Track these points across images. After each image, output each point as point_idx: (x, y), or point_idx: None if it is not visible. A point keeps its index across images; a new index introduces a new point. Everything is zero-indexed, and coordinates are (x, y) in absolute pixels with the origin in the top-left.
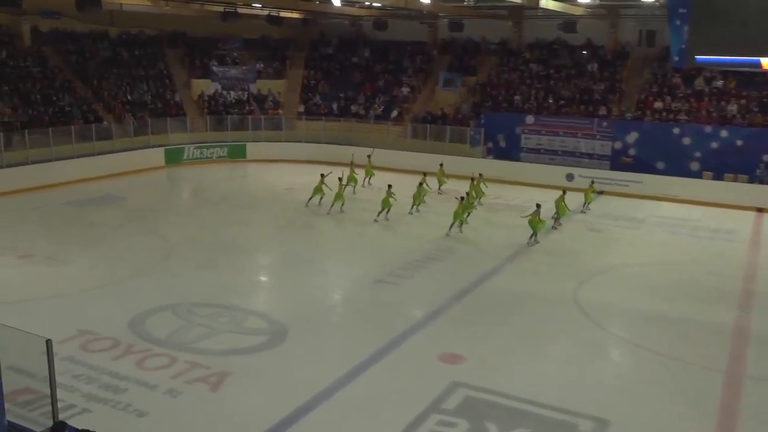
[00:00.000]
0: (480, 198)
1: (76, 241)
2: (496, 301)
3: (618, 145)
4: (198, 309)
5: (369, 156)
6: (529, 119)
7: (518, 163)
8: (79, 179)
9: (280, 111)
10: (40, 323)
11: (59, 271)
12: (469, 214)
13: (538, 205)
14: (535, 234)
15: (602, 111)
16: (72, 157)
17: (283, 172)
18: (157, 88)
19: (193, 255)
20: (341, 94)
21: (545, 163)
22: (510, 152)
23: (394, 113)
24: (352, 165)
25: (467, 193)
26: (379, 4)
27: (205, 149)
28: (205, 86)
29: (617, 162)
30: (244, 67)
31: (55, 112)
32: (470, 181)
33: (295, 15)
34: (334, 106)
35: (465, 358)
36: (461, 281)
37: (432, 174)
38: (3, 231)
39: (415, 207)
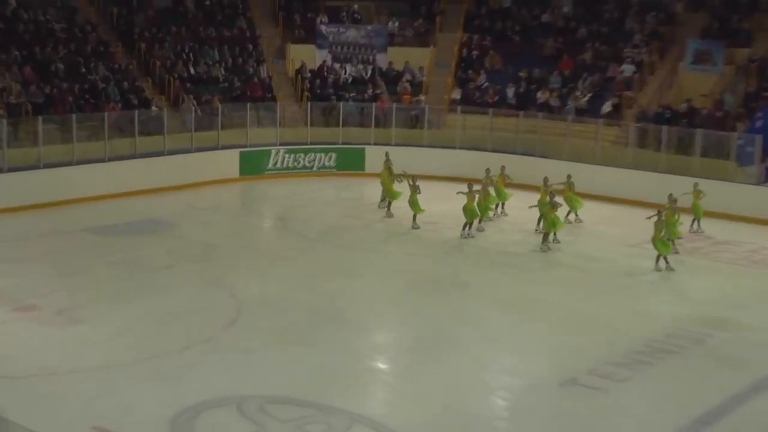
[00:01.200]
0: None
1: (99, 288)
2: None
3: None
4: (277, 409)
5: (503, 173)
6: None
7: None
8: (111, 194)
9: (422, 98)
10: (37, 413)
11: (72, 335)
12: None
13: None
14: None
15: None
16: (102, 160)
17: (423, 194)
18: (235, 58)
19: (272, 322)
20: (521, 73)
21: None
22: None
23: (608, 106)
24: (495, 180)
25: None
26: None
27: (302, 155)
28: (307, 55)
29: None
30: (368, 27)
31: (82, 90)
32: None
33: None
34: (509, 92)
35: None
36: (710, 395)
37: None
38: None
39: (662, 259)
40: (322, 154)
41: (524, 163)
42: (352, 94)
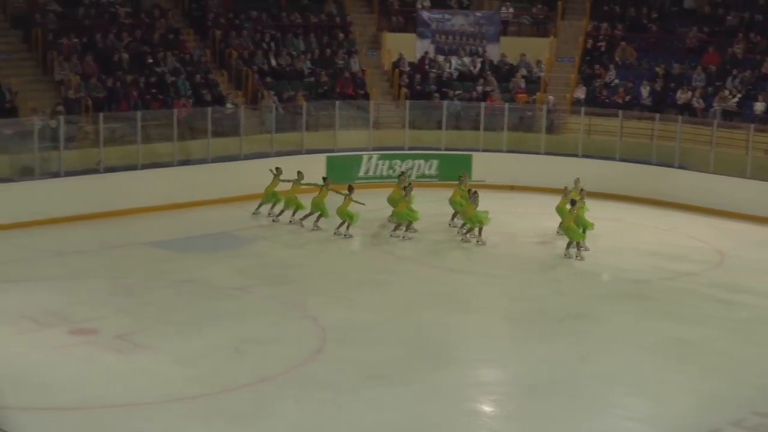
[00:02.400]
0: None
1: (163, 311)
2: None
3: None
4: None
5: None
6: None
7: None
8: (179, 203)
9: (551, 98)
10: None
11: (132, 363)
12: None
13: None
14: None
15: None
16: (170, 164)
17: (535, 209)
18: (322, 48)
19: (361, 355)
20: (658, 69)
21: None
22: None
23: (761, 107)
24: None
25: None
26: None
27: (399, 161)
28: (406, 46)
29: None
30: (478, 14)
31: (149, 84)
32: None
33: None
34: (644, 90)
35: None
36: None
37: None
38: (51, 285)
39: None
40: (422, 161)
41: (660, 175)
42: (457, 92)
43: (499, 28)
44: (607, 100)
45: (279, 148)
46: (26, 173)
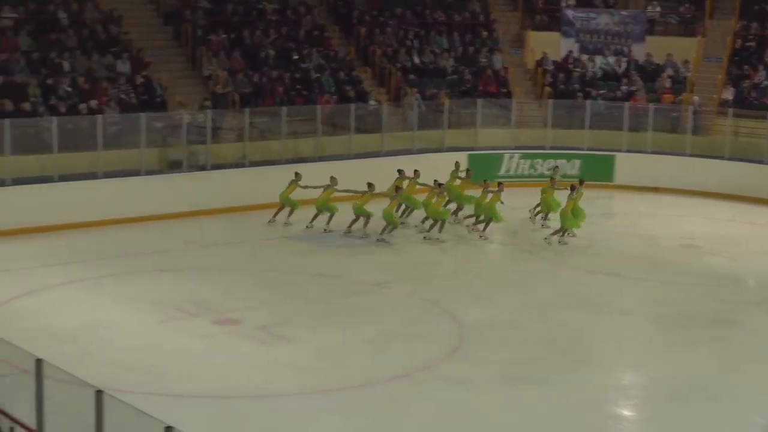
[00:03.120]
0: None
1: (304, 304)
2: None
3: None
4: None
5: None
6: None
7: None
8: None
9: (696, 98)
10: None
11: (274, 355)
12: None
13: None
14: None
15: None
16: (313, 159)
17: (679, 211)
18: (466, 46)
19: (500, 354)
20: None
21: None
22: None
23: None
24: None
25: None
26: None
27: (540, 161)
28: (550, 45)
29: None
30: (624, 12)
31: (294, 80)
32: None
33: None
34: None
35: None
36: None
37: None
38: (197, 276)
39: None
40: (564, 161)
41: None
42: (601, 92)
43: (645, 27)
44: (755, 102)
45: (420, 146)
46: (174, 166)
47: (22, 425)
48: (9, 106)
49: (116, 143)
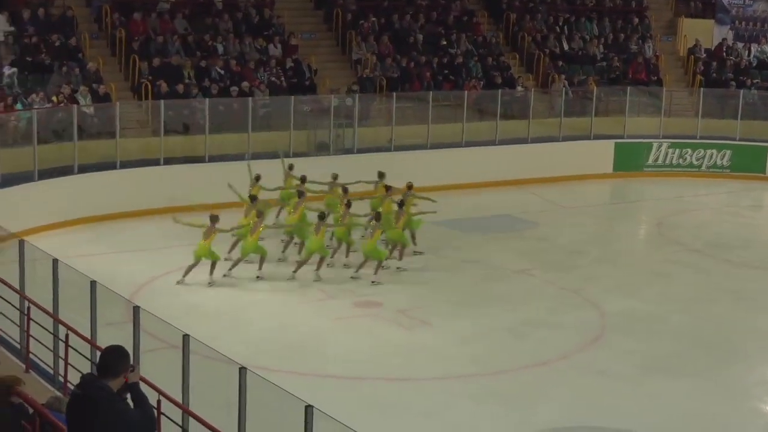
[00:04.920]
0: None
1: (444, 289)
2: None
3: None
4: None
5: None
6: None
7: None
8: (465, 183)
9: None
10: (359, 419)
11: (412, 338)
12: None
13: None
14: None
15: None
16: (458, 145)
17: None
18: (616, 33)
19: (641, 345)
20: None
21: None
22: None
23: None
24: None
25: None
26: None
27: (690, 150)
28: (703, 32)
29: None
30: None
31: (441, 65)
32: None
33: None
34: None
35: None
36: None
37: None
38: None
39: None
40: (714, 151)
41: None
42: (755, 81)
43: None
44: None
45: (567, 133)
46: (322, 149)
47: (168, 398)
48: (164, 87)
49: (266, 125)
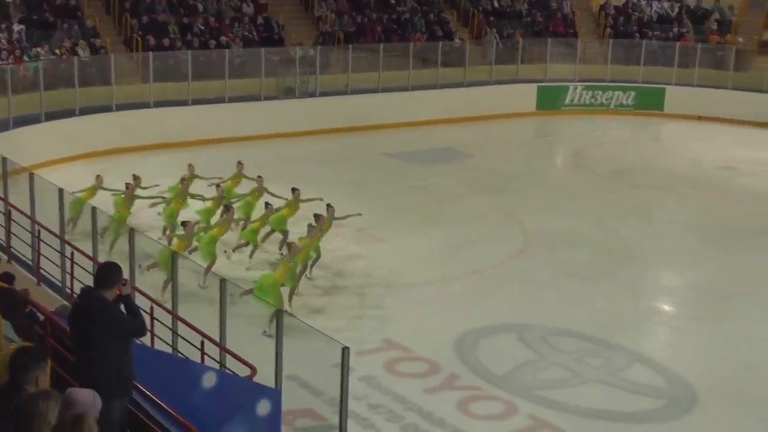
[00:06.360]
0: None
1: (392, 208)
2: None
3: None
4: (558, 340)
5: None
6: None
7: None
8: (412, 121)
9: (726, 38)
10: (333, 322)
11: (368, 250)
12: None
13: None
14: None
15: None
16: (405, 89)
17: (721, 138)
18: None
19: (560, 256)
20: None
21: None
22: None
23: None
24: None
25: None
26: None
27: (600, 92)
28: None
29: None
30: None
31: (390, 21)
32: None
33: None
34: None
35: None
36: None
37: None
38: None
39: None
40: (621, 92)
41: None
42: (656, 33)
43: None
44: None
45: (497, 78)
46: (288, 93)
47: (159, 305)
48: (152, 41)
49: (240, 73)
